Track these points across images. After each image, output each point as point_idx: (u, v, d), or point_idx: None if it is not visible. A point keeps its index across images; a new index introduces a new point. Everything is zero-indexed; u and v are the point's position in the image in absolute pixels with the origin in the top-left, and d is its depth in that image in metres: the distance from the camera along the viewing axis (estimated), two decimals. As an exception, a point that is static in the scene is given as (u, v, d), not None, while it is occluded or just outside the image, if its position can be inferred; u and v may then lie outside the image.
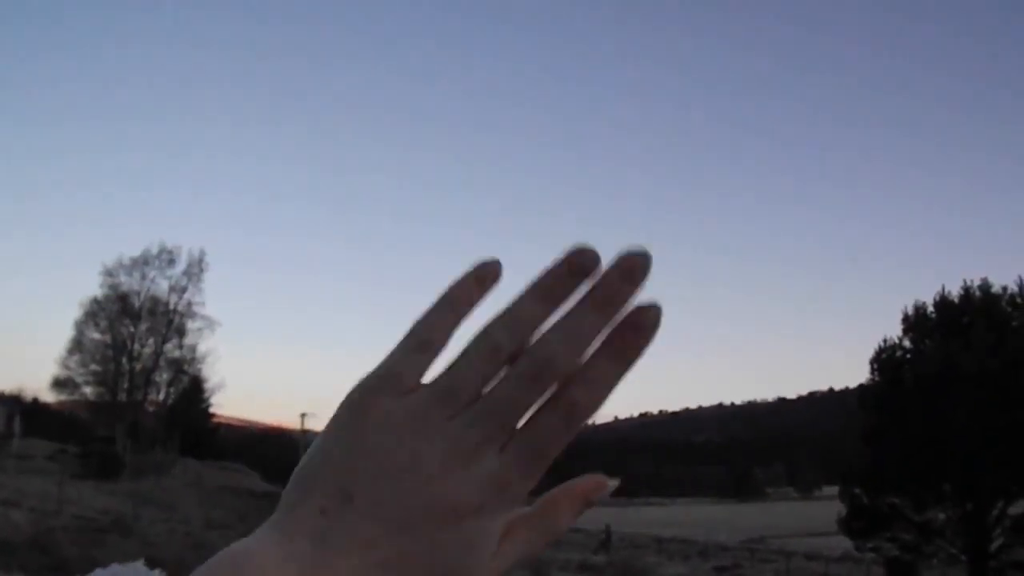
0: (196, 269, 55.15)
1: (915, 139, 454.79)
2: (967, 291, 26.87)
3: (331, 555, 0.43)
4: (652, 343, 0.47)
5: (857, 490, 26.54)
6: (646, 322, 0.47)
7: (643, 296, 0.48)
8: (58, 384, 52.84)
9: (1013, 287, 26.35)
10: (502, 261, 0.49)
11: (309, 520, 0.44)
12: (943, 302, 27.14)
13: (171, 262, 54.58)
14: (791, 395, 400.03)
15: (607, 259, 0.48)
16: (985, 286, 26.71)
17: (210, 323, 56.04)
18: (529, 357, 0.46)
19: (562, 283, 0.47)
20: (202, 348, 55.79)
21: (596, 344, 0.47)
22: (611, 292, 0.47)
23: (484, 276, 0.49)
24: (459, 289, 0.49)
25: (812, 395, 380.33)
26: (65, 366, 52.85)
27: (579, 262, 0.48)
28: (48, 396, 57.59)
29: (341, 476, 0.45)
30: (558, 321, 0.47)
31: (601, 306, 0.47)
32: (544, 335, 0.47)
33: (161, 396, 55.55)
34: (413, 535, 0.44)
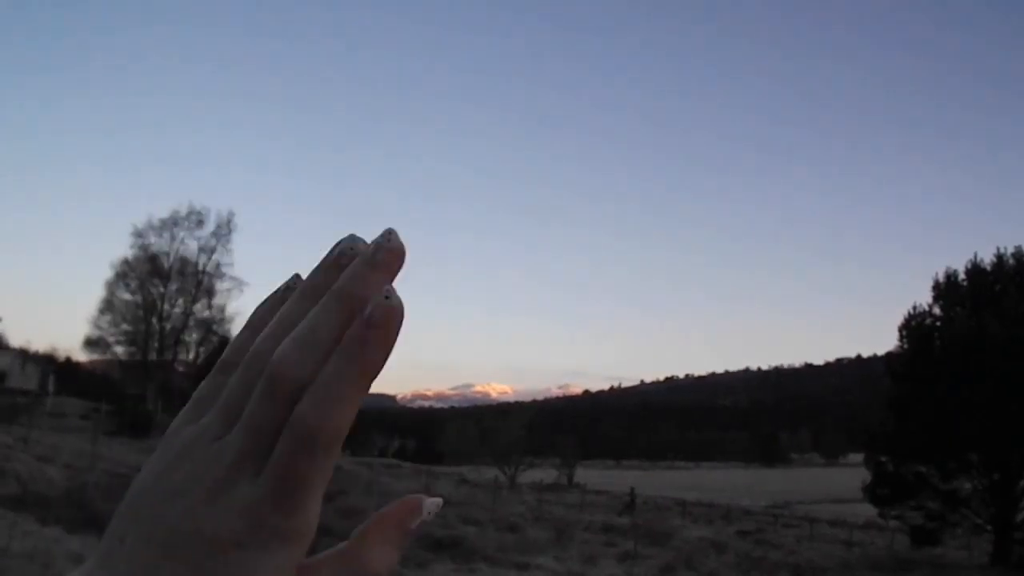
0: (224, 230, 55.37)
1: (948, 107, 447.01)
2: (1000, 258, 26.45)
3: None
4: (390, 337, 0.42)
5: (883, 458, 26.42)
6: (375, 315, 0.42)
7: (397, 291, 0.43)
8: (90, 344, 53.43)
9: (1048, 255, 25.94)
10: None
11: (104, 550, 0.44)
12: (975, 269, 26.75)
13: (200, 223, 54.84)
14: (818, 361, 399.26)
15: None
16: (1019, 253, 26.26)
17: (238, 283, 56.41)
18: (265, 368, 0.43)
19: (331, 279, 0.45)
20: (230, 308, 56.16)
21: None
22: (347, 284, 0.44)
23: (289, 289, 0.47)
24: (261, 307, 0.48)
25: (839, 361, 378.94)
26: (97, 326, 53.43)
27: (348, 255, 0.45)
28: (80, 355, 58.57)
29: (132, 503, 0.44)
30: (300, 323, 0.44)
31: (335, 300, 0.44)
32: (283, 342, 0.44)
33: (191, 355, 56.13)
34: (178, 563, 0.42)
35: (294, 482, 0.42)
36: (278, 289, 0.48)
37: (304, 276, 0.47)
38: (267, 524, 0.42)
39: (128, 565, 0.42)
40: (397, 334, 0.42)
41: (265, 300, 0.48)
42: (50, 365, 61.78)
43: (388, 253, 0.44)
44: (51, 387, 53.55)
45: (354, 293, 0.43)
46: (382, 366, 0.42)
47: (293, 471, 0.42)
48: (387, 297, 0.42)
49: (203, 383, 0.47)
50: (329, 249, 0.46)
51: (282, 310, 0.46)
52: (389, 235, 0.44)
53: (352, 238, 0.46)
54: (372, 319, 0.42)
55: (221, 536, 0.42)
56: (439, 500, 0.46)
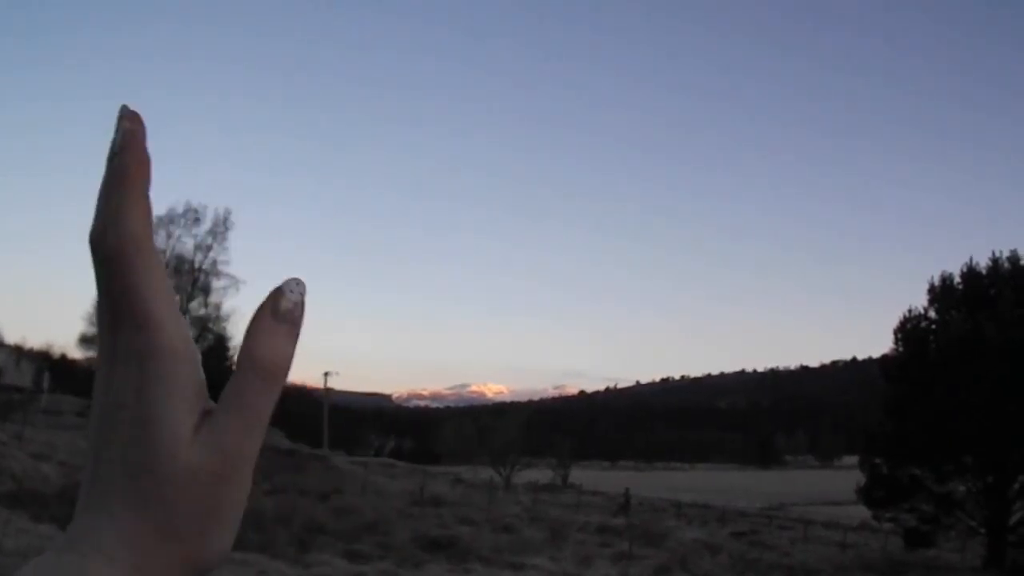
0: (221, 228, 55.25)
1: (945, 108, 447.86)
2: (995, 262, 26.51)
3: (77, 516, 0.45)
4: (136, 149, 0.46)
5: (877, 460, 26.47)
6: (122, 136, 0.46)
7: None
8: (85, 340, 53.33)
9: (1043, 259, 25.99)
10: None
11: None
12: (970, 273, 26.81)
13: (197, 221, 54.73)
14: (814, 363, 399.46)
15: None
16: (1014, 257, 26.33)
17: (235, 282, 56.24)
18: None
19: None
20: (227, 307, 55.96)
21: None
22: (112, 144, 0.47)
23: None
24: None
25: (835, 364, 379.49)
26: (92, 323, 53.32)
27: None
28: (76, 352, 58.34)
29: None
30: None
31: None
32: None
33: (186, 354, 55.98)
34: (108, 452, 0.44)
35: (118, 295, 0.44)
36: None
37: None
38: (126, 349, 0.45)
39: (83, 490, 0.45)
40: (135, 139, 0.45)
41: None
42: (45, 362, 61.59)
43: (123, 115, 0.46)
44: (46, 384, 53.41)
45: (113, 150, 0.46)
46: (134, 168, 0.45)
47: (113, 288, 0.44)
48: (122, 118, 0.46)
49: None
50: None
51: None
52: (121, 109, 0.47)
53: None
54: (119, 141, 0.46)
55: (121, 397, 0.45)
56: (297, 278, 0.47)
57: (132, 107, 0.47)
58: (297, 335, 0.47)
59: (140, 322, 0.44)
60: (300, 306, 0.47)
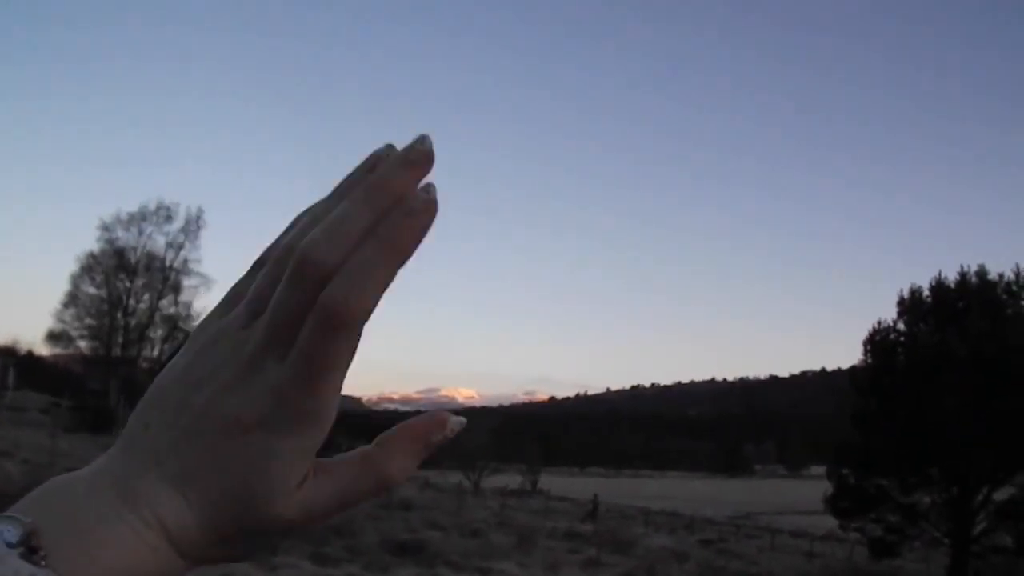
0: (193, 226, 54.94)
1: (916, 125, 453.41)
2: (964, 277, 26.79)
3: (137, 466, 0.44)
4: (425, 228, 0.42)
5: (845, 470, 26.67)
6: (415, 204, 0.42)
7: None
8: (53, 337, 52.85)
9: (1010, 275, 26.27)
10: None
11: (128, 435, 0.45)
12: (939, 287, 27.07)
13: (168, 219, 54.37)
14: (784, 374, 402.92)
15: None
16: (982, 272, 26.62)
17: (206, 280, 55.95)
18: (293, 254, 0.43)
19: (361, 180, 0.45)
20: (197, 305, 55.67)
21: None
22: (382, 179, 0.43)
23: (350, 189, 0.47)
24: (302, 214, 0.48)
25: (804, 374, 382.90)
26: (60, 319, 52.86)
27: (384, 159, 0.46)
28: (43, 349, 57.64)
29: (157, 393, 0.46)
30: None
31: (369, 193, 0.43)
32: (312, 231, 0.44)
33: (155, 352, 55.51)
34: (202, 445, 0.43)
35: (320, 362, 0.42)
36: (325, 199, 0.48)
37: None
38: (291, 403, 0.43)
39: (151, 447, 0.44)
40: (430, 228, 0.42)
41: (307, 209, 0.48)
42: (11, 358, 60.79)
43: (421, 152, 0.44)
44: (11, 381, 52.77)
45: (387, 186, 0.43)
46: (411, 255, 0.43)
47: (319, 351, 0.42)
48: (426, 191, 0.43)
49: (236, 283, 0.48)
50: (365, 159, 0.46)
51: (314, 208, 0.46)
52: (423, 139, 0.44)
53: (388, 146, 0.46)
54: (412, 208, 0.42)
55: (244, 416, 0.43)
56: (463, 419, 0.47)
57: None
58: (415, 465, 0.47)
59: (324, 387, 0.43)
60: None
